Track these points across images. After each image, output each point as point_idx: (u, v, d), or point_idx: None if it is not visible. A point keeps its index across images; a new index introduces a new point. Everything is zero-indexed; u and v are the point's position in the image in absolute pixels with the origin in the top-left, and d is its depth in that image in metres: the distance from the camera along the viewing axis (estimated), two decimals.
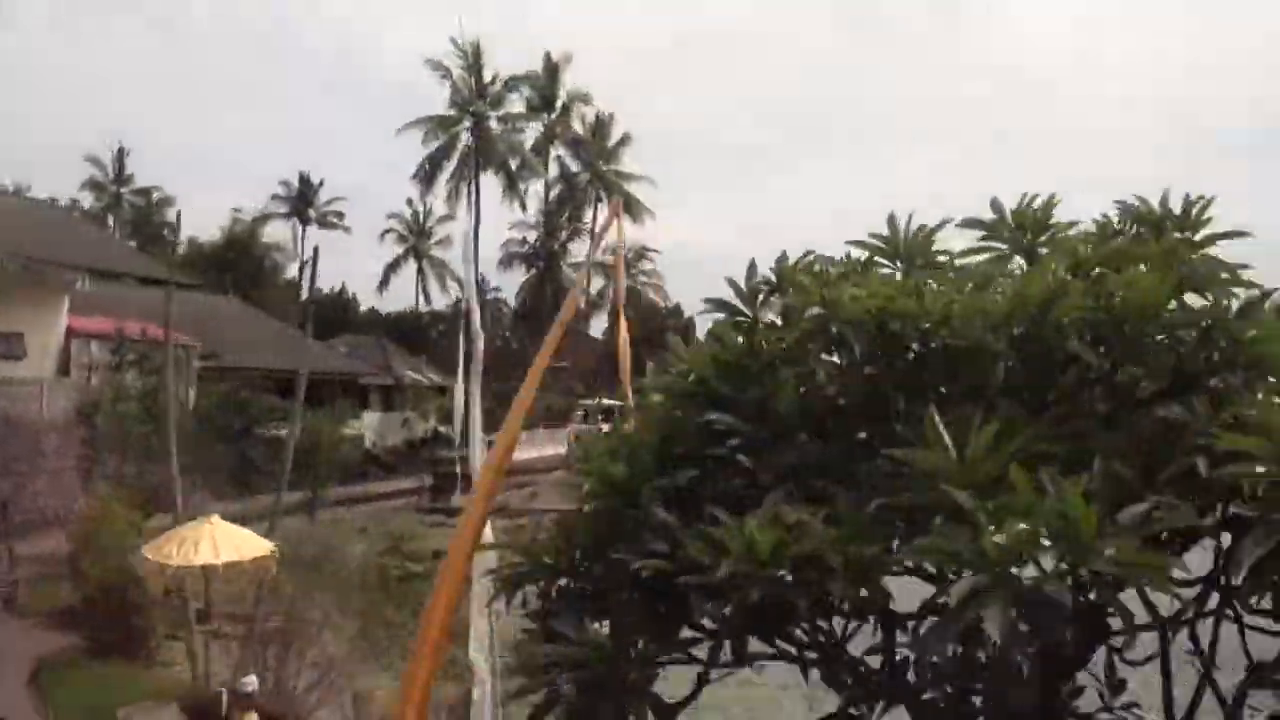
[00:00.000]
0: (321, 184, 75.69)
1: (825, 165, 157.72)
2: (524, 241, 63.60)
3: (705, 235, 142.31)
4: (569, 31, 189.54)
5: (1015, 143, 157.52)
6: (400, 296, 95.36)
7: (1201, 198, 3.37)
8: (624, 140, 69.45)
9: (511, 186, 61.72)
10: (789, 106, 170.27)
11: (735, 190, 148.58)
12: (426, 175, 61.33)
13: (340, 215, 75.31)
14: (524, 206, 63.72)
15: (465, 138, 60.45)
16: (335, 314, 65.94)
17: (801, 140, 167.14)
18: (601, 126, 69.00)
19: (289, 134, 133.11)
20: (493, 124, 61.16)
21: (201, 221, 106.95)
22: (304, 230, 75.71)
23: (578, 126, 68.71)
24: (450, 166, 61.01)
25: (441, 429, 50.34)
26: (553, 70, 65.67)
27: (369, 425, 48.05)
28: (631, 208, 68.66)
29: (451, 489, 41.71)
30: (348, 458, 39.38)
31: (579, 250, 66.36)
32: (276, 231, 74.15)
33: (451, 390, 57.70)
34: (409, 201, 69.13)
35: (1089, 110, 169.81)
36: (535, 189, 66.69)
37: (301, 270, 68.54)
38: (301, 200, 75.47)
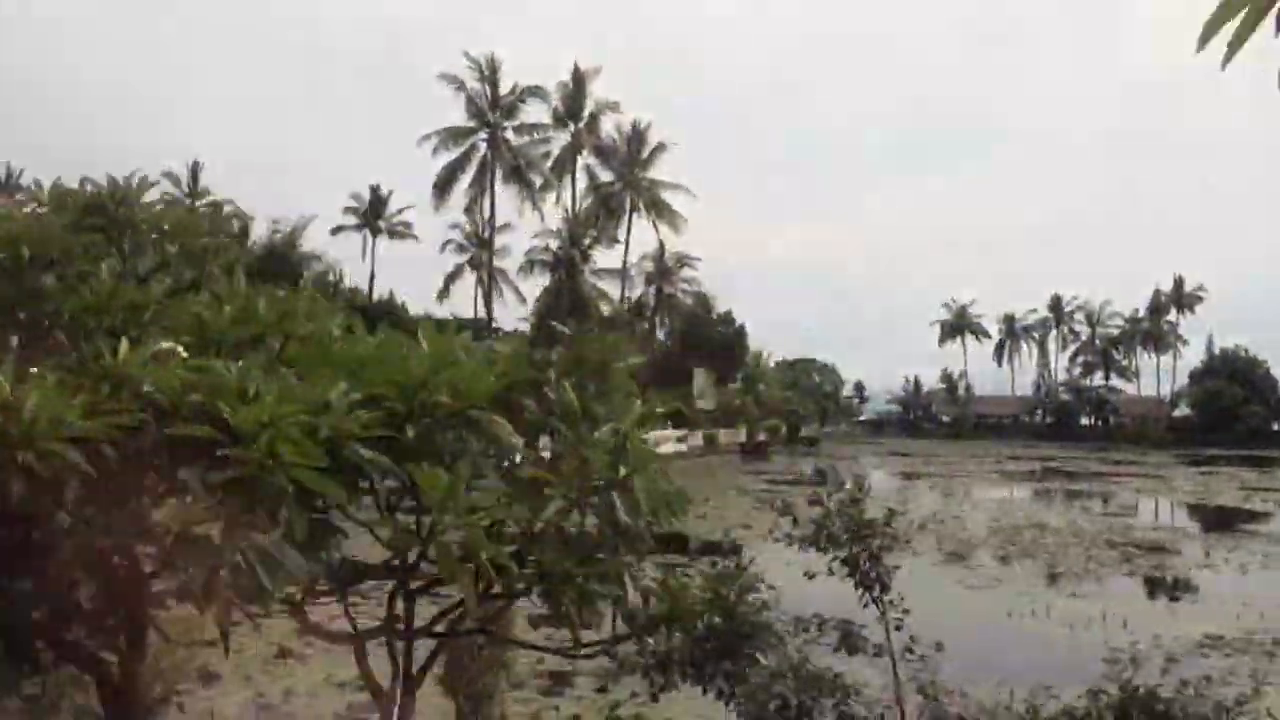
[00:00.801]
0: (390, 194, 77.29)
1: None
2: (546, 249, 64.40)
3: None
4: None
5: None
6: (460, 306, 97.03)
7: None
8: (659, 148, 70.31)
9: (529, 196, 62.76)
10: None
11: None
12: (441, 185, 62.64)
13: (408, 225, 76.74)
14: (542, 216, 64.62)
15: (482, 149, 61.74)
16: (384, 320, 66.71)
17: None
18: (637, 135, 69.93)
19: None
20: (509, 134, 62.28)
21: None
22: (374, 241, 77.22)
23: (616, 135, 69.65)
24: (468, 177, 62.31)
25: None
26: (580, 81, 66.68)
27: None
28: (665, 214, 69.75)
29: None
30: None
31: (604, 258, 67.26)
32: (348, 243, 76.76)
33: None
34: (466, 210, 69.77)
35: None
36: (567, 198, 67.81)
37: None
38: (372, 212, 76.84)
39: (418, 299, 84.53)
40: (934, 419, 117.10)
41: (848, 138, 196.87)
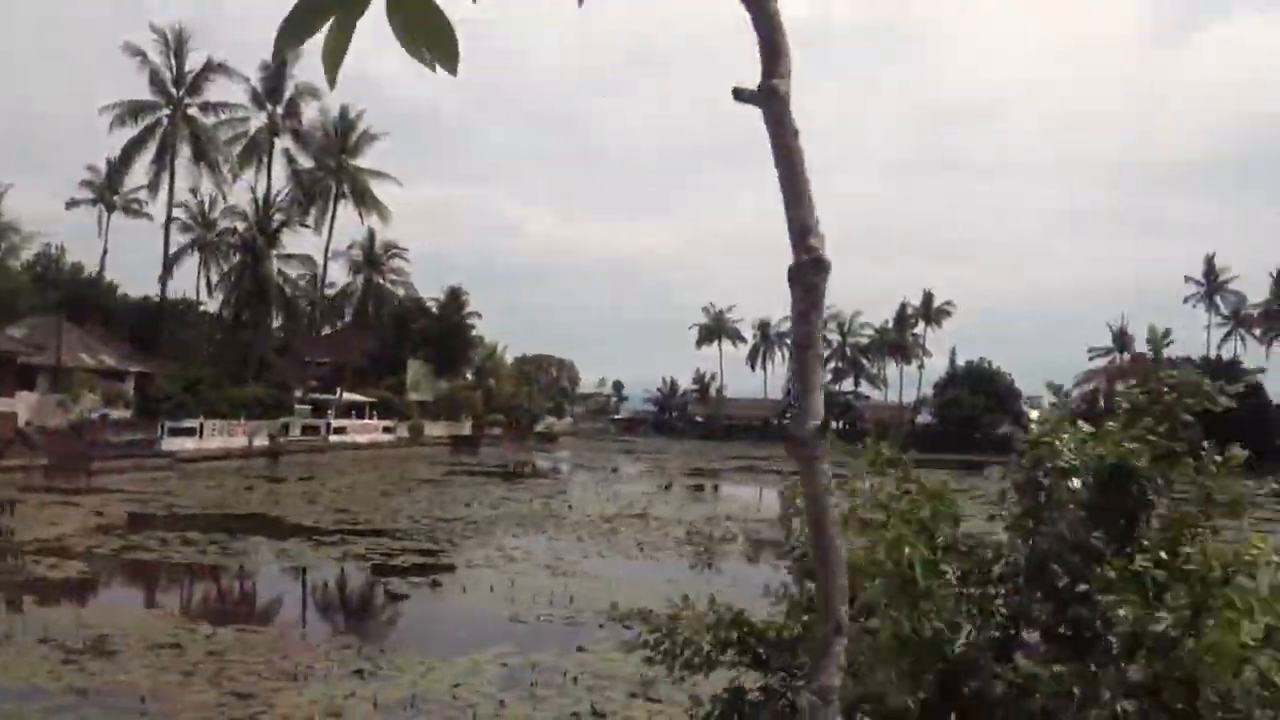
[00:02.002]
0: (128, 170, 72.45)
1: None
2: (233, 231, 63.09)
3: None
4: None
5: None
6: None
7: None
8: (366, 136, 69.82)
9: (215, 177, 61.53)
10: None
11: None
12: (122, 160, 60.82)
13: (141, 202, 72.18)
14: (224, 198, 63.40)
15: (165, 124, 60.09)
16: (91, 299, 64.73)
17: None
18: (344, 122, 69.16)
19: None
20: (195, 112, 60.85)
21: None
22: (108, 217, 73.14)
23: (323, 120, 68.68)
24: (150, 153, 60.58)
25: (115, 413, 50.26)
26: (282, 62, 65.40)
27: (25, 404, 47.75)
28: (370, 202, 69.20)
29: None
30: None
31: (293, 242, 66.34)
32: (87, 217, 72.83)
33: (133, 375, 57.24)
34: (193, 191, 66.98)
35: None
36: (262, 181, 66.51)
37: None
38: (107, 186, 71.65)
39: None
40: (688, 419, 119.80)
41: (663, 139, 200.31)
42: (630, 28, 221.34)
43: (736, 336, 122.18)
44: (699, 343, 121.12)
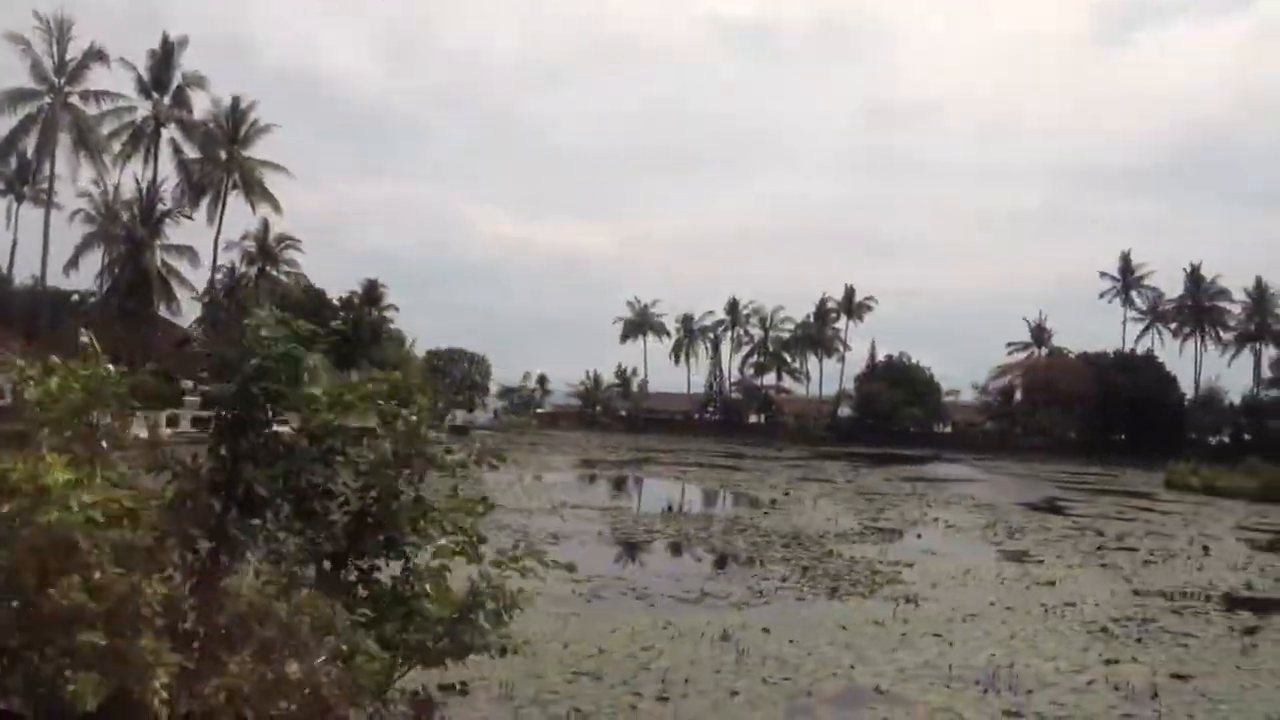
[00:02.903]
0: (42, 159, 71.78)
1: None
2: (116, 220, 63.14)
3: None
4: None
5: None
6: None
7: None
8: (256, 127, 70.09)
9: (97, 167, 61.56)
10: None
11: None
12: (3, 149, 60.82)
13: (49, 194, 71.18)
14: (105, 187, 63.54)
15: (45, 112, 60.15)
16: None
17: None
18: (235, 114, 69.43)
19: None
20: (75, 100, 60.93)
21: None
22: (18, 207, 72.94)
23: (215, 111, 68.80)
24: (33, 142, 60.59)
25: None
26: (169, 51, 65.69)
27: None
28: (260, 193, 69.44)
29: None
30: None
31: (176, 234, 66.47)
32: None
33: None
34: (95, 182, 66.59)
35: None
36: (146, 171, 66.47)
37: None
38: (18, 177, 71.02)
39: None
40: (611, 413, 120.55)
41: (611, 139, 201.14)
42: (582, 27, 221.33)
43: (661, 331, 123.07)
44: (623, 337, 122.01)
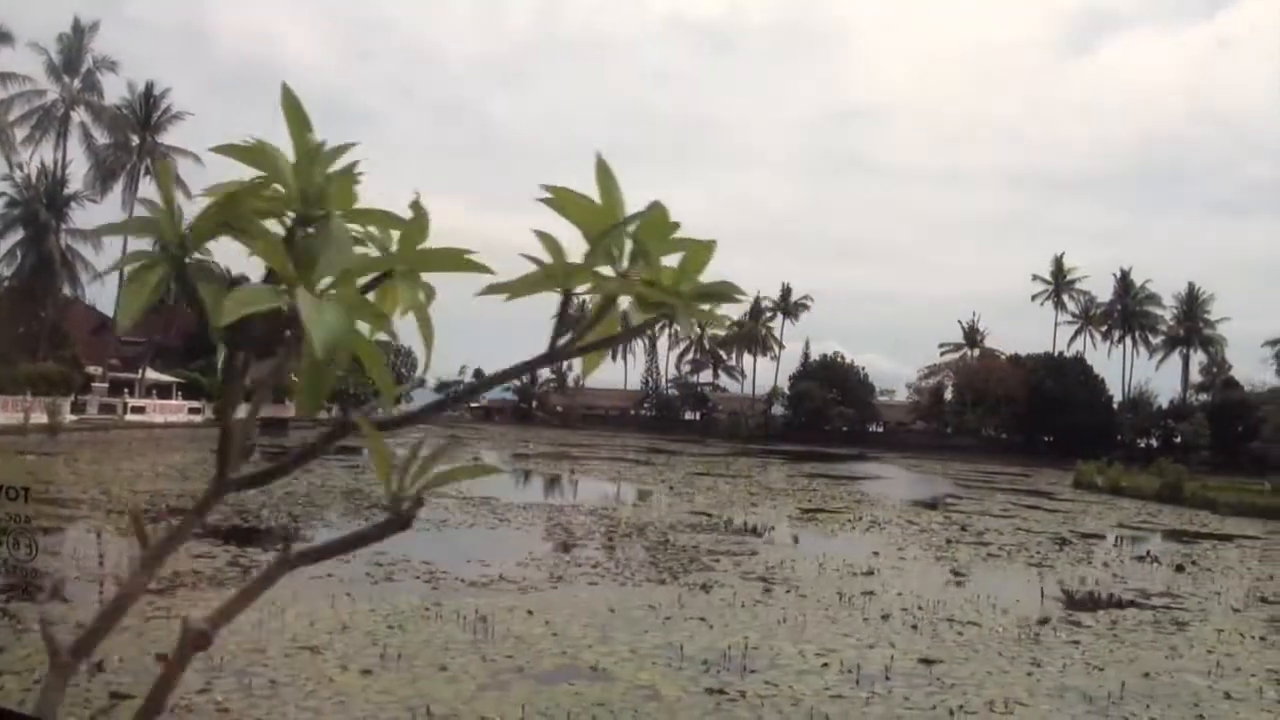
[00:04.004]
0: None
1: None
2: (16, 203, 62.21)
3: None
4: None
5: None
6: None
7: None
8: (169, 114, 69.48)
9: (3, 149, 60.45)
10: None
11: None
12: None
13: None
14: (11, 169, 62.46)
15: None
16: None
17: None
18: (149, 99, 68.70)
19: None
20: None
21: None
22: None
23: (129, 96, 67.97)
24: None
25: None
26: (79, 34, 64.86)
27: None
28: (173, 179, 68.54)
29: None
30: None
31: (82, 218, 65.61)
32: None
33: None
34: (19, 166, 65.26)
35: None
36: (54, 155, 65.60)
37: None
38: None
39: None
40: (548, 409, 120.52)
41: (568, 133, 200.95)
42: (541, 21, 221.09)
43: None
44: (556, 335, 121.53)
